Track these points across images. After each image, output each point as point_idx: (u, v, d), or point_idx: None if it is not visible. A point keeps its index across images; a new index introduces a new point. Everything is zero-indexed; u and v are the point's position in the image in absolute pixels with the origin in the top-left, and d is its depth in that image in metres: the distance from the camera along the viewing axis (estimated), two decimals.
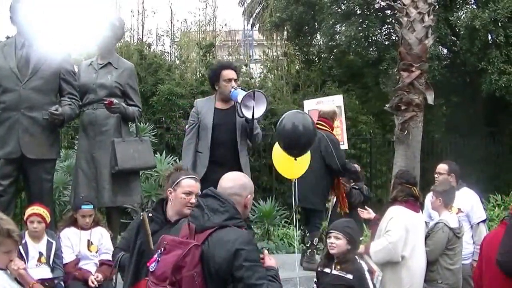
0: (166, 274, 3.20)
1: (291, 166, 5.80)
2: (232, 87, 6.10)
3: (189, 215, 3.54)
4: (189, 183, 4.29)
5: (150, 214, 4.31)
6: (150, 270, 3.34)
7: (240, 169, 5.74)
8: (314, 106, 10.35)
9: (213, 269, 3.23)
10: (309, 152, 5.83)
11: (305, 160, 5.87)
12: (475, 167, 13.79)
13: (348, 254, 4.87)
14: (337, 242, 4.89)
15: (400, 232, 5.50)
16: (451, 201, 6.02)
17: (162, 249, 3.32)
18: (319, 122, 7.17)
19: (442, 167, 6.76)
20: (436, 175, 6.76)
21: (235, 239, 3.26)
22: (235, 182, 3.57)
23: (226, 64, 6.51)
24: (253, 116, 5.85)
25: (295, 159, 5.57)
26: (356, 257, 4.92)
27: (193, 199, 4.19)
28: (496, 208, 11.08)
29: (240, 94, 5.89)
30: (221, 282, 3.27)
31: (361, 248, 5.43)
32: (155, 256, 3.35)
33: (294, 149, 5.47)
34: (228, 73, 6.18)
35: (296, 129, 5.43)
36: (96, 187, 6.35)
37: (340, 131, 10.13)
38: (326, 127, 7.27)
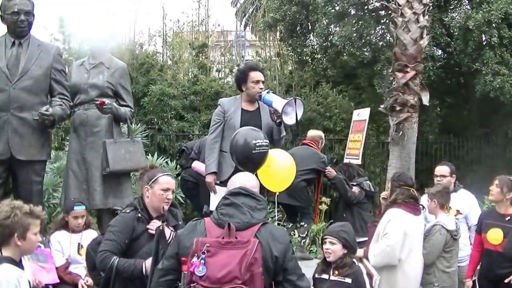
0: (235, 274, 3.24)
1: (275, 180, 5.81)
2: (261, 88, 6.21)
3: (219, 213, 3.56)
4: (166, 180, 4.46)
5: (140, 215, 4.39)
6: (198, 274, 3.31)
7: None
8: (356, 117, 10.93)
9: (271, 263, 3.39)
10: (293, 167, 5.91)
11: (290, 174, 5.90)
12: (469, 168, 13.78)
13: (345, 258, 4.83)
14: (332, 248, 4.85)
15: (398, 235, 5.47)
16: (446, 202, 6.01)
17: (206, 251, 3.32)
18: (310, 142, 8.63)
19: (444, 170, 6.70)
20: (438, 178, 6.67)
21: (284, 234, 3.55)
22: (255, 181, 3.82)
23: (254, 66, 6.59)
24: (296, 122, 6.02)
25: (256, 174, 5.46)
26: (354, 260, 4.88)
27: (170, 195, 4.42)
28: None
29: (277, 101, 6.01)
30: (273, 276, 3.45)
31: (360, 252, 5.38)
32: (195, 260, 3.33)
33: (246, 165, 5.38)
34: (256, 75, 6.24)
35: (248, 145, 5.38)
36: (87, 189, 6.30)
37: (359, 145, 10.11)
38: (314, 146, 8.56)
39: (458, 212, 6.37)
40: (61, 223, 5.83)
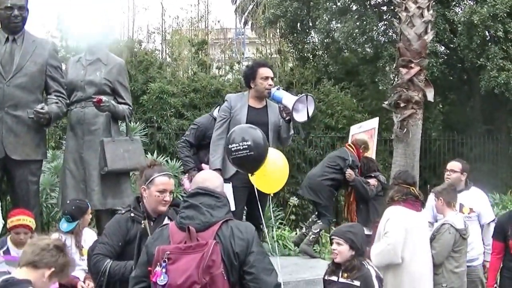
0: (193, 279, 3.19)
1: (267, 181, 5.56)
2: (270, 85, 6.12)
3: (179, 217, 3.46)
4: (163, 181, 4.32)
5: (132, 214, 4.30)
6: (160, 284, 3.25)
7: None
8: (356, 130, 10.87)
9: (235, 261, 3.32)
10: (286, 168, 5.60)
11: (283, 175, 5.61)
12: (473, 165, 13.58)
13: (353, 260, 4.73)
14: (338, 248, 4.77)
15: (399, 232, 5.36)
16: (452, 199, 5.89)
17: (166, 259, 3.26)
18: (350, 144, 8.74)
19: (456, 165, 6.58)
20: (448, 173, 6.57)
21: (246, 228, 3.43)
22: (219, 180, 3.71)
23: (263, 62, 6.61)
24: (308, 118, 5.90)
25: (252, 175, 5.34)
26: (364, 262, 4.78)
27: (167, 197, 4.29)
28: (495, 207, 10.90)
29: (287, 98, 5.88)
30: (238, 274, 3.37)
31: None
32: (158, 269, 3.27)
33: (244, 165, 5.20)
34: (265, 71, 6.19)
35: (227, 150, 5.22)
36: (85, 189, 6.17)
37: (370, 151, 9.99)
38: (352, 149, 8.42)
39: (471, 210, 6.31)
40: (77, 229, 5.64)
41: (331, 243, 4.89)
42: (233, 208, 5.79)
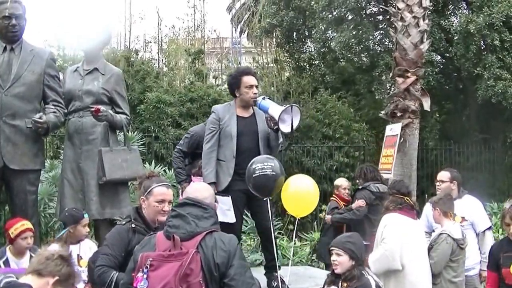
0: (170, 286, 3.22)
1: (298, 206, 5.93)
2: (255, 93, 6.07)
3: (166, 225, 3.51)
4: (161, 191, 4.36)
5: (133, 225, 4.32)
6: None
7: None
8: (389, 132, 10.61)
9: (215, 272, 3.33)
10: (316, 193, 5.94)
11: (313, 200, 5.97)
12: (469, 174, 13.68)
13: (353, 270, 4.68)
14: (339, 259, 4.72)
15: (396, 238, 5.35)
16: (449, 209, 5.87)
17: (148, 266, 3.31)
18: (333, 196, 8.71)
19: (444, 175, 6.55)
20: (437, 183, 6.55)
21: (229, 241, 3.44)
22: (208, 191, 3.75)
23: (246, 70, 6.40)
24: (292, 130, 5.86)
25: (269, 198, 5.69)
26: (364, 272, 4.73)
27: (166, 207, 4.32)
28: (493, 216, 10.90)
29: (273, 108, 5.86)
30: (218, 286, 3.38)
31: None
32: (140, 275, 3.31)
33: (262, 191, 5.52)
34: (249, 79, 6.09)
35: (249, 170, 5.47)
36: (83, 198, 6.14)
37: (391, 160, 9.95)
38: (336, 198, 8.55)
39: (463, 219, 6.22)
40: (66, 237, 5.59)
41: (330, 254, 4.84)
42: (233, 220, 5.84)
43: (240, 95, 6.09)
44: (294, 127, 5.88)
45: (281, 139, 6.19)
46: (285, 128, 5.84)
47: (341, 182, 8.85)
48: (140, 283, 3.29)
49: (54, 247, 5.40)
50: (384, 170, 10.14)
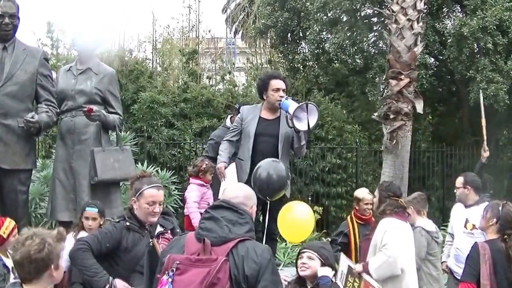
0: None
1: (294, 232, 6.09)
2: (281, 96, 6.27)
3: (199, 227, 3.34)
4: (152, 193, 4.39)
5: (128, 223, 4.40)
6: None
7: None
8: None
9: (243, 283, 3.16)
10: (311, 220, 6.16)
11: (308, 227, 6.15)
12: None
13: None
14: (309, 263, 4.52)
15: (398, 244, 5.37)
16: (422, 207, 6.31)
17: (174, 269, 3.15)
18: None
19: (459, 180, 6.61)
20: (455, 191, 6.65)
21: (262, 252, 3.23)
22: (240, 192, 3.53)
23: (275, 74, 6.74)
24: (308, 127, 6.02)
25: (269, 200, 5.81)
26: (333, 279, 4.53)
27: (156, 208, 4.38)
28: None
29: (292, 105, 6.04)
30: None
31: (358, 266, 5.22)
32: (164, 278, 3.16)
33: (266, 193, 5.66)
34: (277, 83, 6.35)
35: (270, 177, 5.63)
36: (75, 198, 6.15)
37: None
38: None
39: (474, 226, 6.16)
40: (79, 225, 5.57)
41: (300, 257, 4.60)
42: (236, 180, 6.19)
43: (267, 97, 6.35)
44: (311, 125, 6.04)
45: (303, 141, 6.34)
46: (301, 126, 6.03)
47: (363, 194, 6.87)
48: (165, 287, 3.14)
49: (83, 234, 5.39)
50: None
